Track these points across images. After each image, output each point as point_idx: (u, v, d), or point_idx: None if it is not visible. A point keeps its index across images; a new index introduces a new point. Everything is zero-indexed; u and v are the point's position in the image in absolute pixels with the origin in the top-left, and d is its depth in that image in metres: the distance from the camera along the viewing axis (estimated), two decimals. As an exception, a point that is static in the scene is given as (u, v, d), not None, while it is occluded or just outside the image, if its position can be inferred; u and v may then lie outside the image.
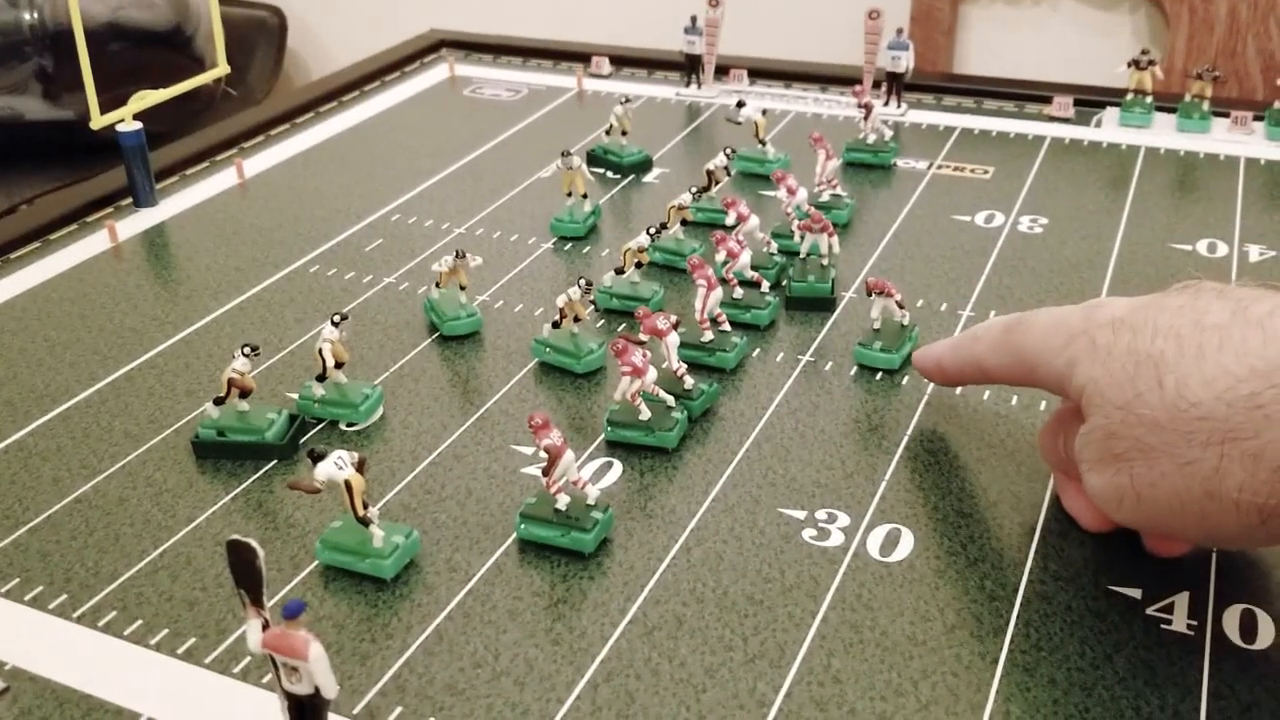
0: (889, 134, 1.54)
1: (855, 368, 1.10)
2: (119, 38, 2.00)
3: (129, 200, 1.49)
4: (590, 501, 0.89)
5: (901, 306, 1.09)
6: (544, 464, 0.88)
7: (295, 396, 1.07)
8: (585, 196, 1.37)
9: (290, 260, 1.34)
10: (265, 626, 0.69)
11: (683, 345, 1.06)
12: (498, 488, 0.96)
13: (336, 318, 1.04)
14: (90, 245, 1.39)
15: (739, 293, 1.17)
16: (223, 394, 1.01)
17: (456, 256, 1.16)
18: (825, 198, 1.36)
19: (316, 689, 0.69)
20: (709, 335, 1.10)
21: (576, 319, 1.10)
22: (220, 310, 1.24)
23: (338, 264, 1.33)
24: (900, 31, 1.67)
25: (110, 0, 2.03)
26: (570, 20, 2.32)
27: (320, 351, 1.03)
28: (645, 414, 0.99)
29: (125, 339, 1.19)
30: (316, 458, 0.85)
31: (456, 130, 1.70)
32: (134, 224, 1.44)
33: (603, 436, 1.01)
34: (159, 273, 1.33)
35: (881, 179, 1.49)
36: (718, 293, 1.10)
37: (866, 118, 1.52)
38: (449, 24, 2.13)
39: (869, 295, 1.10)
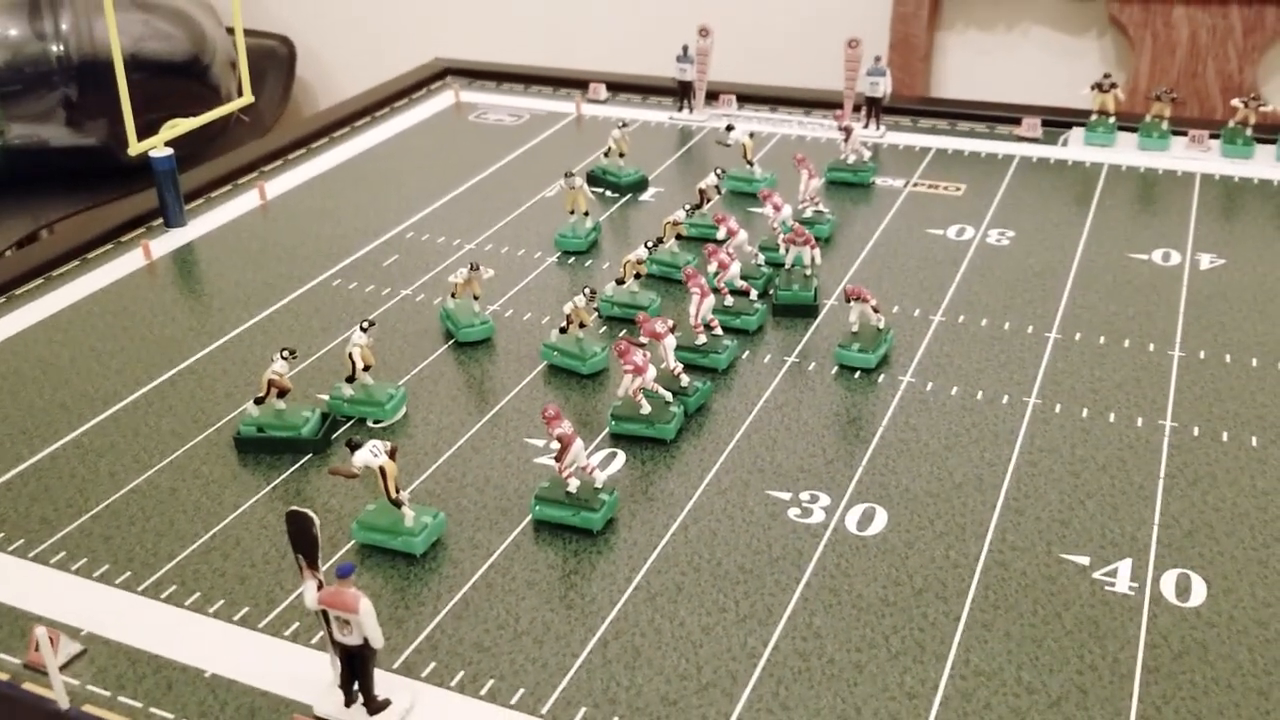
0: (868, 154, 1.65)
1: (836, 367, 1.21)
2: (139, 68, 2.11)
3: (159, 221, 1.59)
4: (597, 485, 1.00)
5: (877, 311, 1.20)
6: (556, 451, 0.99)
7: (326, 397, 1.17)
8: (586, 214, 1.48)
9: (313, 275, 1.44)
10: (319, 587, 0.80)
11: (679, 348, 1.17)
12: (513, 475, 1.06)
13: (365, 324, 1.15)
14: (126, 263, 1.50)
15: (730, 300, 1.27)
16: (262, 394, 1.11)
17: (470, 269, 1.27)
18: (808, 214, 1.47)
19: (365, 640, 0.79)
20: (703, 339, 1.21)
21: (582, 325, 1.20)
22: (252, 321, 1.34)
23: (358, 278, 1.43)
24: (878, 59, 1.78)
25: (132, 32, 2.13)
26: (568, 49, 2.43)
27: (350, 355, 1.14)
28: (646, 409, 1.09)
29: (165, 348, 1.29)
30: (354, 446, 0.95)
31: (463, 153, 1.80)
32: (166, 243, 1.55)
33: (607, 429, 1.11)
34: (192, 287, 1.44)
35: (861, 196, 1.60)
36: (710, 300, 1.20)
37: (847, 140, 1.63)
38: (453, 53, 2.24)
39: (848, 301, 1.20)
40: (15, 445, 1.13)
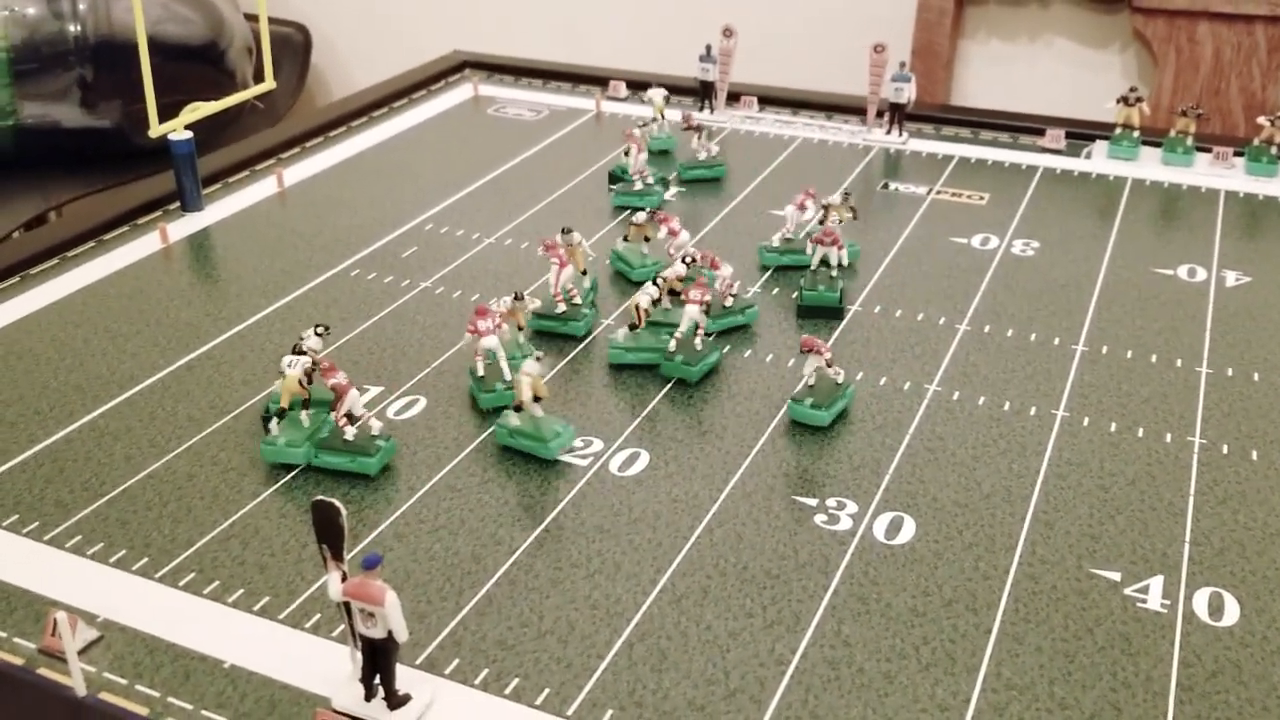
0: (715, 149, 1.64)
1: (862, 372, 1.19)
2: (156, 51, 2.08)
3: (176, 205, 1.58)
4: (374, 433, 1.04)
5: (831, 365, 1.13)
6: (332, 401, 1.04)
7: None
8: (585, 273, 1.34)
9: (331, 264, 1.43)
10: (344, 579, 0.78)
11: (539, 316, 1.25)
12: (534, 473, 1.05)
13: (539, 354, 1.08)
14: (142, 246, 1.48)
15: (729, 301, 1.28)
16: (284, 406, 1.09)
17: (515, 299, 1.20)
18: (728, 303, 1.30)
19: (389, 633, 0.78)
20: (562, 307, 1.26)
21: (520, 328, 1.21)
22: (270, 308, 1.33)
23: (377, 269, 1.42)
24: (903, 65, 1.77)
25: (150, 14, 2.11)
26: (587, 46, 2.42)
27: (516, 384, 1.07)
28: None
29: (182, 332, 1.27)
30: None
31: (482, 147, 1.79)
32: (182, 227, 1.53)
33: (634, 425, 1.10)
34: (209, 273, 1.42)
35: (882, 203, 1.59)
36: (569, 270, 1.27)
37: (698, 137, 1.64)
38: (471, 46, 2.22)
39: (802, 353, 1.13)
40: (29, 426, 1.12)
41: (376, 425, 1.06)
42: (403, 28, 2.67)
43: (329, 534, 0.79)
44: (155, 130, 1.47)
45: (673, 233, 1.34)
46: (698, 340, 1.19)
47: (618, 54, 2.21)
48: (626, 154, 1.64)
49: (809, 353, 1.13)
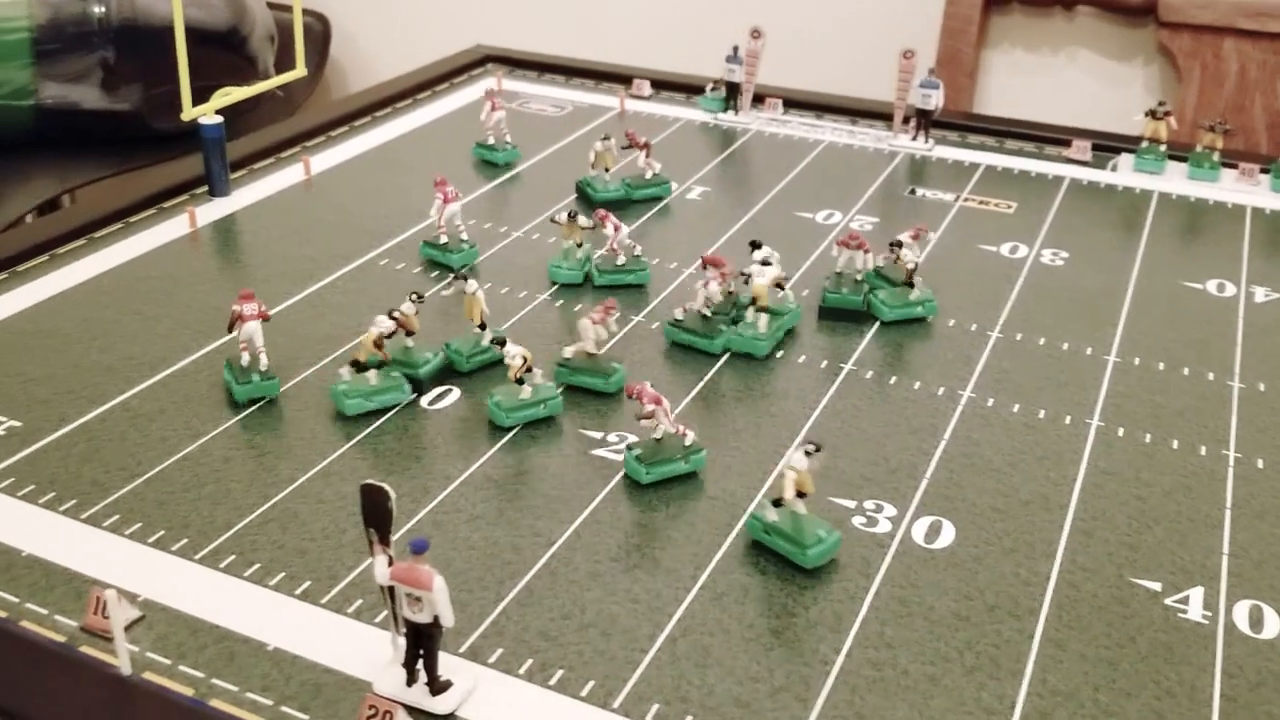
0: (658, 167, 1.60)
1: (895, 376, 1.19)
2: (180, 35, 2.09)
3: (203, 189, 1.57)
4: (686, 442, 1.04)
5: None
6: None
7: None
8: (580, 245, 1.38)
9: (360, 253, 1.43)
10: (390, 563, 0.78)
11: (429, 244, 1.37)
12: (570, 466, 1.05)
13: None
14: (169, 229, 1.48)
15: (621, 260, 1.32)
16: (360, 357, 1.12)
17: (414, 299, 1.18)
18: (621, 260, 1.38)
19: (435, 618, 0.78)
20: (444, 239, 1.39)
21: (410, 333, 1.18)
22: (299, 295, 1.33)
23: (405, 259, 1.42)
24: (932, 71, 1.77)
25: (173, -1, 2.11)
26: (610, 43, 2.42)
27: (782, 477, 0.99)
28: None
29: (211, 316, 1.27)
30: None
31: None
32: (209, 212, 1.53)
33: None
34: (236, 258, 1.42)
35: (909, 209, 1.59)
36: (454, 206, 1.38)
37: (646, 156, 1.59)
38: (492, 41, 2.22)
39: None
40: (62, 405, 1.12)
41: (690, 432, 1.04)
42: (420, 19, 2.67)
43: (377, 517, 0.79)
44: (188, 114, 1.47)
45: (615, 228, 1.34)
46: (762, 321, 1.22)
47: (639, 52, 2.21)
48: (593, 166, 1.61)
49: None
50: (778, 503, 0.95)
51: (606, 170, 1.59)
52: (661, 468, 1.03)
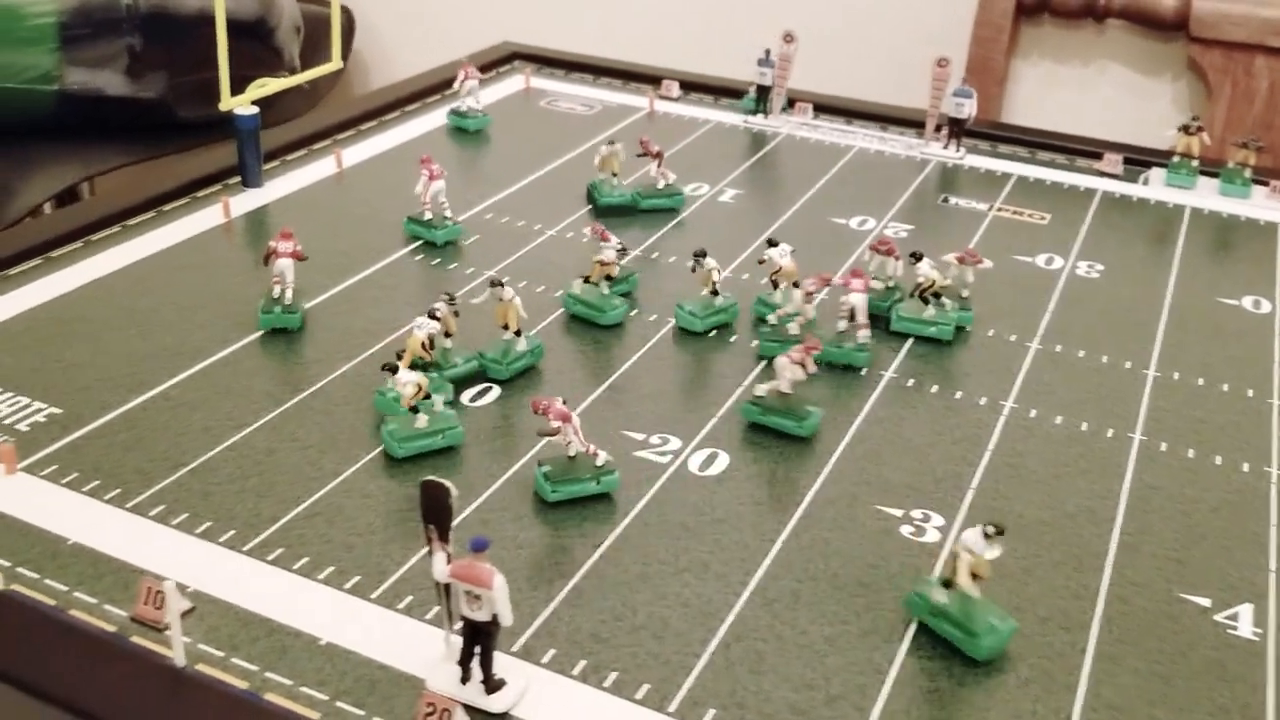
0: (672, 177, 1.58)
1: (935, 386, 1.19)
2: (208, 25, 2.08)
3: (235, 179, 1.57)
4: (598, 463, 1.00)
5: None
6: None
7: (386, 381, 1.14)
8: (615, 175, 1.51)
9: (393, 248, 1.42)
10: (448, 560, 0.78)
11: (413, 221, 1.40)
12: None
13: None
14: (203, 219, 1.47)
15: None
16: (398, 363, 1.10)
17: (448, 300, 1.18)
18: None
19: (494, 617, 0.77)
20: (429, 215, 1.41)
21: (448, 334, 1.17)
22: (335, 289, 1.32)
23: (440, 255, 1.41)
24: (965, 80, 1.76)
25: (200, -14, 2.11)
26: (637, 43, 2.41)
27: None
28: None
29: (248, 308, 1.26)
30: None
31: (537, 139, 1.78)
32: (242, 203, 1.52)
33: (711, 424, 1.10)
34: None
35: (942, 217, 1.58)
36: (439, 183, 1.41)
37: (658, 165, 1.56)
38: (515, 37, 2.21)
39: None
40: (103, 392, 1.11)
41: (602, 452, 1.01)
42: (449, 17, 2.66)
43: (437, 514, 0.78)
44: (226, 103, 1.47)
45: (604, 237, 1.31)
46: (861, 334, 1.21)
47: (666, 53, 2.20)
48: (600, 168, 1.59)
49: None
50: (948, 584, 0.86)
51: (614, 175, 1.57)
52: (570, 487, 0.99)
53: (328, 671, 0.81)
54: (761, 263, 1.31)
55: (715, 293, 1.27)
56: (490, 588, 0.76)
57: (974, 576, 0.85)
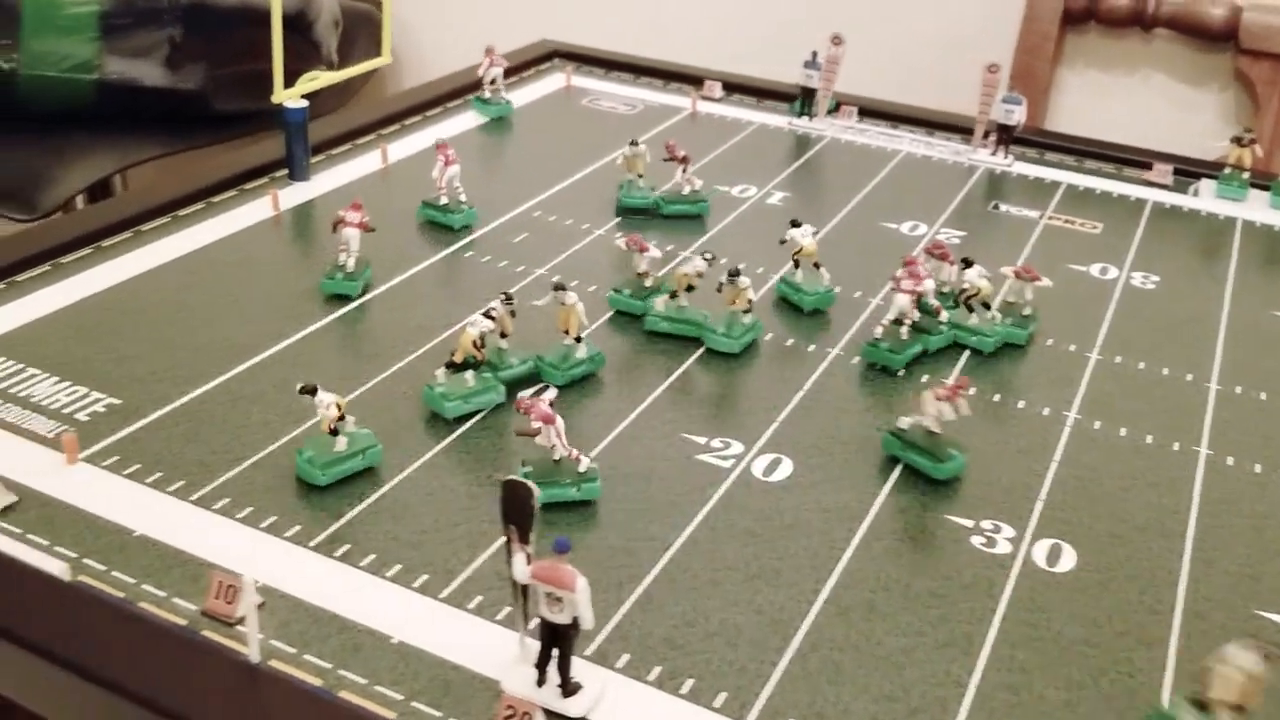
0: (698, 183, 1.55)
1: (998, 395, 1.18)
2: (248, 19, 2.08)
3: (282, 172, 1.56)
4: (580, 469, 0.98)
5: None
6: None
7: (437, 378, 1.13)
8: (641, 176, 1.52)
9: (442, 246, 1.41)
10: (528, 560, 0.77)
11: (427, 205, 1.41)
12: (676, 470, 1.03)
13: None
14: (252, 212, 1.46)
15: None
16: (457, 359, 1.10)
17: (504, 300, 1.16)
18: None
19: (574, 619, 0.76)
20: (445, 200, 1.43)
21: (504, 334, 1.15)
22: (386, 286, 1.31)
23: (490, 252, 1.40)
24: (1012, 86, 1.75)
25: (241, -21, 2.11)
26: (677, 42, 2.40)
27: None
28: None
29: (299, 302, 1.25)
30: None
31: (580, 138, 1.77)
32: (290, 196, 1.51)
33: (773, 428, 1.08)
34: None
35: (993, 224, 1.57)
36: (454, 168, 1.43)
37: (684, 170, 1.54)
38: (551, 35, 2.20)
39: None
40: (161, 384, 1.10)
41: (585, 458, 1.00)
42: (483, 14, 2.65)
43: (519, 514, 0.77)
44: (278, 95, 1.46)
45: (642, 249, 1.29)
46: (904, 330, 1.21)
47: (708, 54, 2.19)
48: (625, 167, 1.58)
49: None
50: (1201, 705, 0.73)
51: (640, 176, 1.54)
52: (549, 490, 0.96)
53: (401, 671, 0.80)
54: (783, 243, 1.32)
55: (748, 311, 1.24)
56: (573, 590, 0.75)
57: (1238, 709, 0.72)
